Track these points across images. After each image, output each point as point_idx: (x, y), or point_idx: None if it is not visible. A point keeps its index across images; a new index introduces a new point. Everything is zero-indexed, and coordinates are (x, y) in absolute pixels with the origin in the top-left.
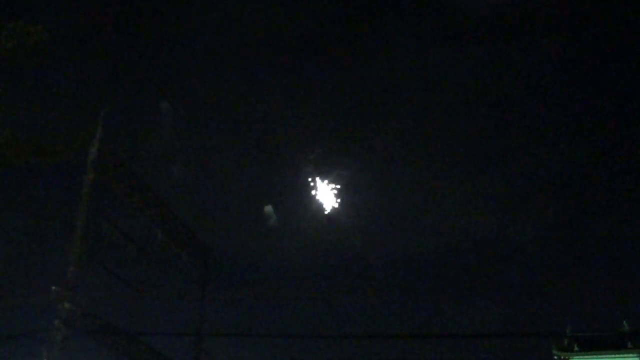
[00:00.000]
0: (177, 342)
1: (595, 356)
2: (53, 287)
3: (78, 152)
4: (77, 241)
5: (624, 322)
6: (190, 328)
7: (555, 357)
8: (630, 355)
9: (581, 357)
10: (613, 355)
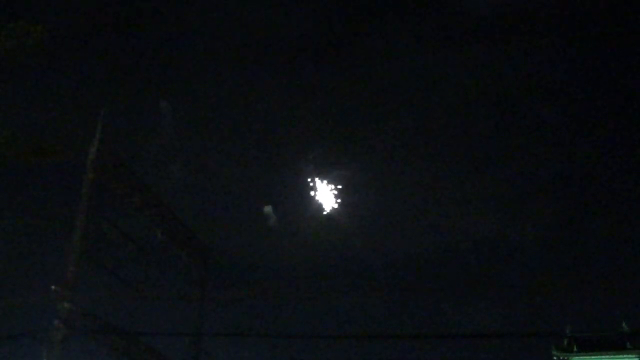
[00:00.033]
0: (177, 342)
1: (594, 357)
2: (53, 287)
3: (78, 152)
4: (76, 241)
5: (624, 322)
6: (190, 328)
7: (555, 358)
8: (630, 355)
9: (581, 357)
10: (612, 356)
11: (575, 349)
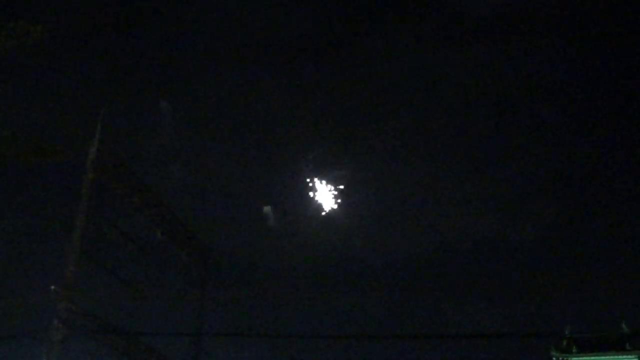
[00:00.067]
0: (177, 342)
1: (594, 357)
2: (52, 287)
3: (78, 152)
4: (76, 241)
5: (623, 323)
6: (190, 328)
7: (554, 358)
8: (630, 356)
9: (580, 358)
10: (612, 357)
11: (574, 350)
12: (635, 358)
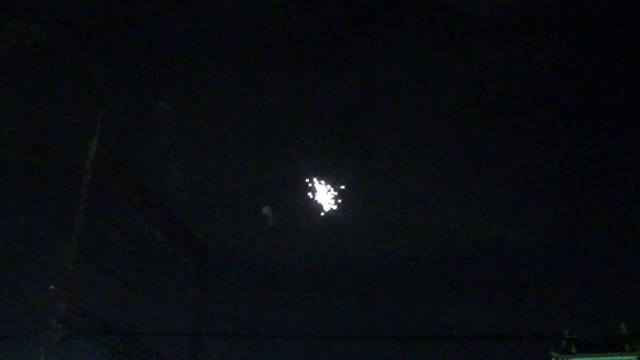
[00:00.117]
0: (175, 342)
1: (593, 358)
2: (51, 287)
3: (77, 152)
4: (75, 241)
5: (622, 324)
6: (189, 328)
7: (554, 359)
8: (629, 357)
9: (579, 359)
10: (611, 357)
11: (574, 351)
12: (634, 359)
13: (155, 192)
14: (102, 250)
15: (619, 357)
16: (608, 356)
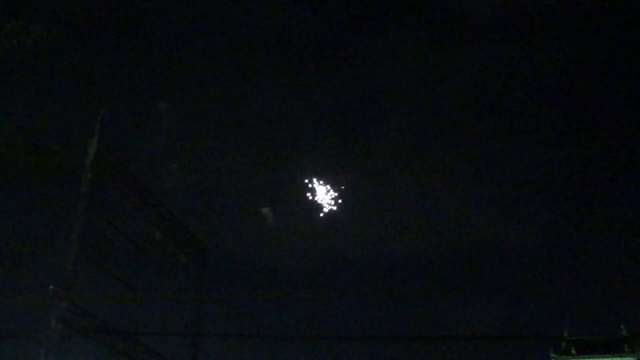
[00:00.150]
0: (175, 342)
1: (592, 359)
2: (51, 287)
3: (77, 152)
4: (74, 241)
5: (622, 325)
6: (188, 328)
7: None
8: (628, 358)
9: None
10: (610, 359)
11: (573, 352)
12: None
13: (155, 192)
14: (102, 250)
15: (618, 359)
16: (607, 357)
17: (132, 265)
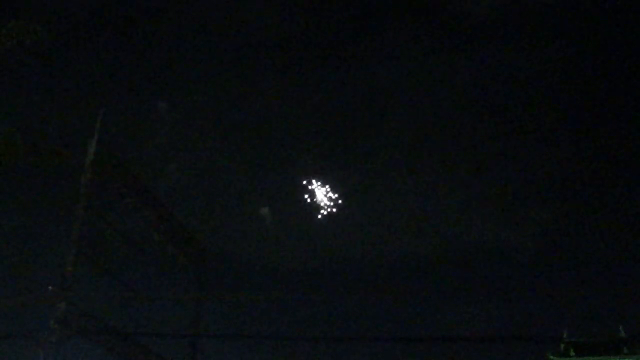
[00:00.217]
0: (174, 343)
1: None
2: (50, 287)
3: (76, 152)
4: (74, 241)
5: (620, 327)
6: (187, 329)
7: None
8: None
9: None
10: None
11: (572, 354)
12: None
13: (154, 193)
14: (101, 250)
15: None
16: (606, 359)
17: (132, 266)
